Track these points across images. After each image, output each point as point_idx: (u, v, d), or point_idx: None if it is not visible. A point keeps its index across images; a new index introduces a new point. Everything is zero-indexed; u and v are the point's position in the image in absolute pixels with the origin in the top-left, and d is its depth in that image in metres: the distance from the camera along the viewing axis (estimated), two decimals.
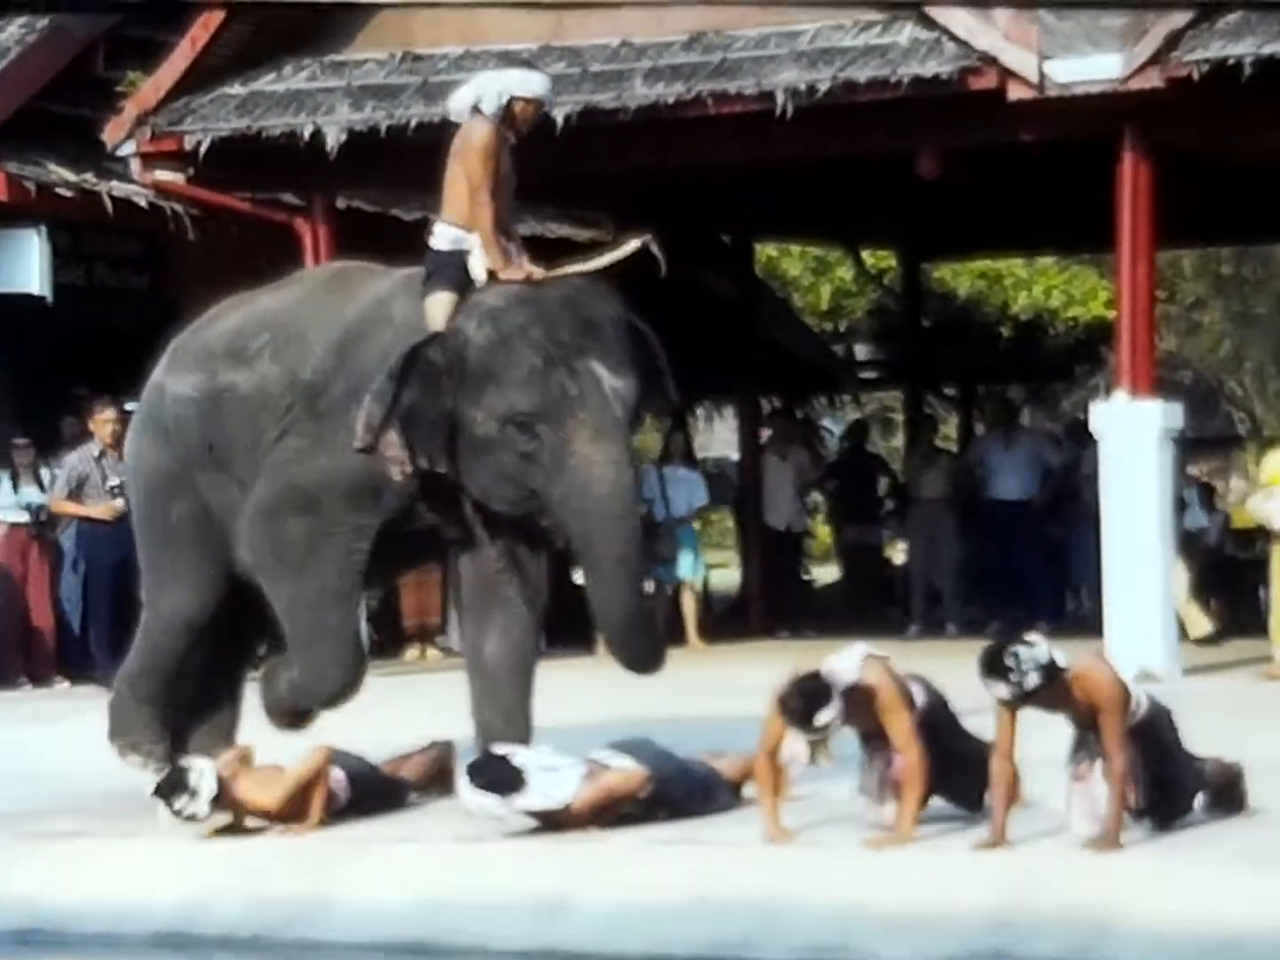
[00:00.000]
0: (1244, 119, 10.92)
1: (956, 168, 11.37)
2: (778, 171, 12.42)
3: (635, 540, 6.97)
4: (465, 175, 7.15)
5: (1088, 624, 11.40)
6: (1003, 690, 6.16)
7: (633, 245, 7.20)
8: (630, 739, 7.10)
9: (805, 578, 16.48)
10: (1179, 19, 10.52)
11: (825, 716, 6.35)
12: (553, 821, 6.73)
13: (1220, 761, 6.71)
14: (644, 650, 7.09)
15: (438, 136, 11.70)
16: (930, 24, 10.92)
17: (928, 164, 11.34)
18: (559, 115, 11.30)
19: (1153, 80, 10.57)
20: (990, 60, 10.76)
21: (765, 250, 19.43)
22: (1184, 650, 11.15)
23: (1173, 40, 10.51)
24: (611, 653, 7.17)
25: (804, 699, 6.36)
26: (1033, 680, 6.14)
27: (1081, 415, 11.46)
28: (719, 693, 9.42)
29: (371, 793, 7.25)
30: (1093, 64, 10.76)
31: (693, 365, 14.51)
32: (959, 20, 10.83)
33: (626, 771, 6.88)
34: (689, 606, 13.52)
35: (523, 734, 7.19)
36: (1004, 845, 6.24)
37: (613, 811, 6.82)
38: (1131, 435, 10.92)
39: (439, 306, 7.08)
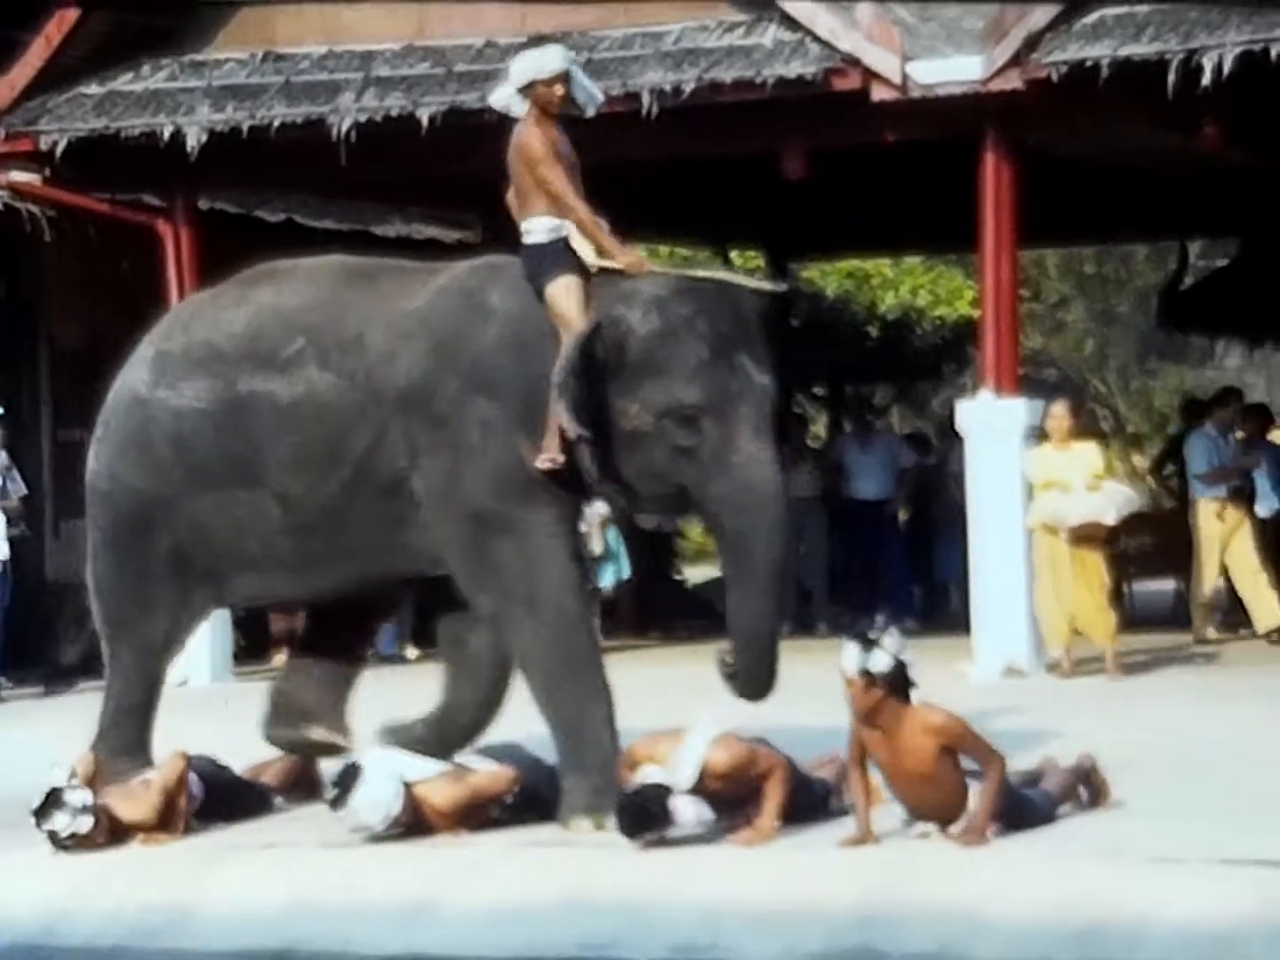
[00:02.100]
0: (1102, 120, 11.07)
1: (822, 168, 11.44)
2: (644, 172, 12.42)
3: (790, 547, 6.78)
4: (537, 183, 6.91)
5: (955, 622, 11.49)
6: (852, 659, 6.16)
7: (770, 285, 7.32)
8: (498, 744, 7.07)
9: (677, 577, 16.51)
10: (1038, 21, 10.65)
11: (666, 826, 6.34)
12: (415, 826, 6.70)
13: (1076, 760, 6.78)
14: (768, 675, 6.73)
15: (301, 137, 11.77)
16: (794, 25, 10.97)
17: (793, 164, 11.40)
18: (423, 116, 11.29)
19: (1013, 82, 10.68)
20: (853, 61, 10.83)
21: None
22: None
23: (1032, 42, 10.64)
24: (731, 669, 6.73)
25: (637, 817, 6.33)
26: (883, 662, 6.15)
27: (949, 413, 11.57)
28: None
29: (230, 797, 7.17)
30: (954, 65, 10.87)
31: None
32: (822, 22, 10.90)
33: (493, 773, 6.85)
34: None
35: (483, 721, 7.12)
36: (870, 841, 6.27)
37: (480, 814, 6.79)
38: (996, 432, 11.02)
39: (567, 293, 6.77)
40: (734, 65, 10.95)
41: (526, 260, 6.92)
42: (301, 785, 7.45)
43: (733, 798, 6.49)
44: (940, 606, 14.43)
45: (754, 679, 6.73)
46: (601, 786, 6.63)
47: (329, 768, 7.14)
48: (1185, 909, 5.69)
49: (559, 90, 6.99)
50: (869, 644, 6.18)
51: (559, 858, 6.46)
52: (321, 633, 7.53)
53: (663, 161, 11.87)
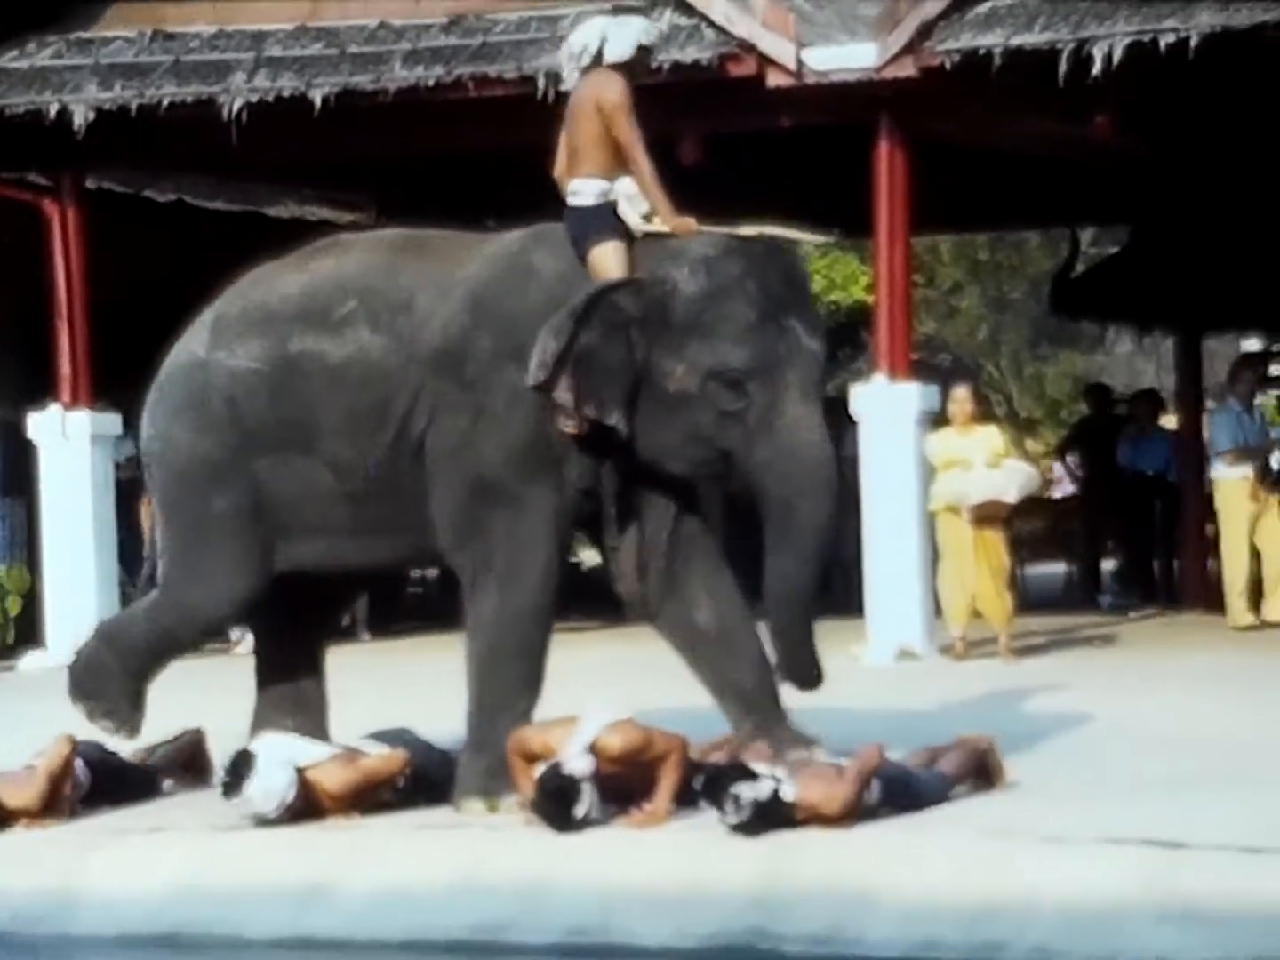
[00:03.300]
0: (994, 108, 11.16)
1: (717, 153, 11.45)
2: (541, 156, 12.39)
3: (833, 515, 6.63)
4: (612, 133, 6.68)
5: (849, 605, 11.55)
6: (728, 802, 6.15)
7: (811, 235, 7.04)
8: (388, 728, 7.03)
9: (572, 560, 16.46)
10: (931, 9, 10.72)
11: (582, 809, 6.32)
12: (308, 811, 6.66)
13: (970, 740, 6.83)
14: (809, 653, 6.63)
15: (191, 116, 11.66)
16: (689, 11, 10.98)
17: (688, 149, 11.40)
18: (316, 97, 11.22)
19: (907, 69, 10.75)
20: (749, 47, 10.86)
21: None
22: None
23: (925, 30, 10.71)
24: (780, 657, 6.66)
25: (560, 804, 6.30)
26: (747, 815, 6.14)
27: (843, 398, 11.61)
28: None
29: (117, 781, 7.10)
30: (849, 52, 10.92)
31: None
32: (717, 8, 10.92)
33: (384, 756, 6.82)
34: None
35: (773, 682, 6.79)
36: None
37: (371, 796, 6.76)
38: (890, 417, 11.08)
39: (610, 255, 6.61)
40: None
41: (571, 222, 6.75)
42: (191, 769, 7.39)
43: (630, 781, 6.48)
44: (835, 589, 14.48)
45: (795, 659, 6.63)
46: (497, 770, 6.59)
47: (220, 752, 7.08)
48: (1074, 888, 5.74)
49: (647, 60, 6.94)
50: (729, 796, 6.15)
51: (451, 840, 6.43)
52: (291, 617, 7.27)
53: (557, 146, 11.83)
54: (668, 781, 6.43)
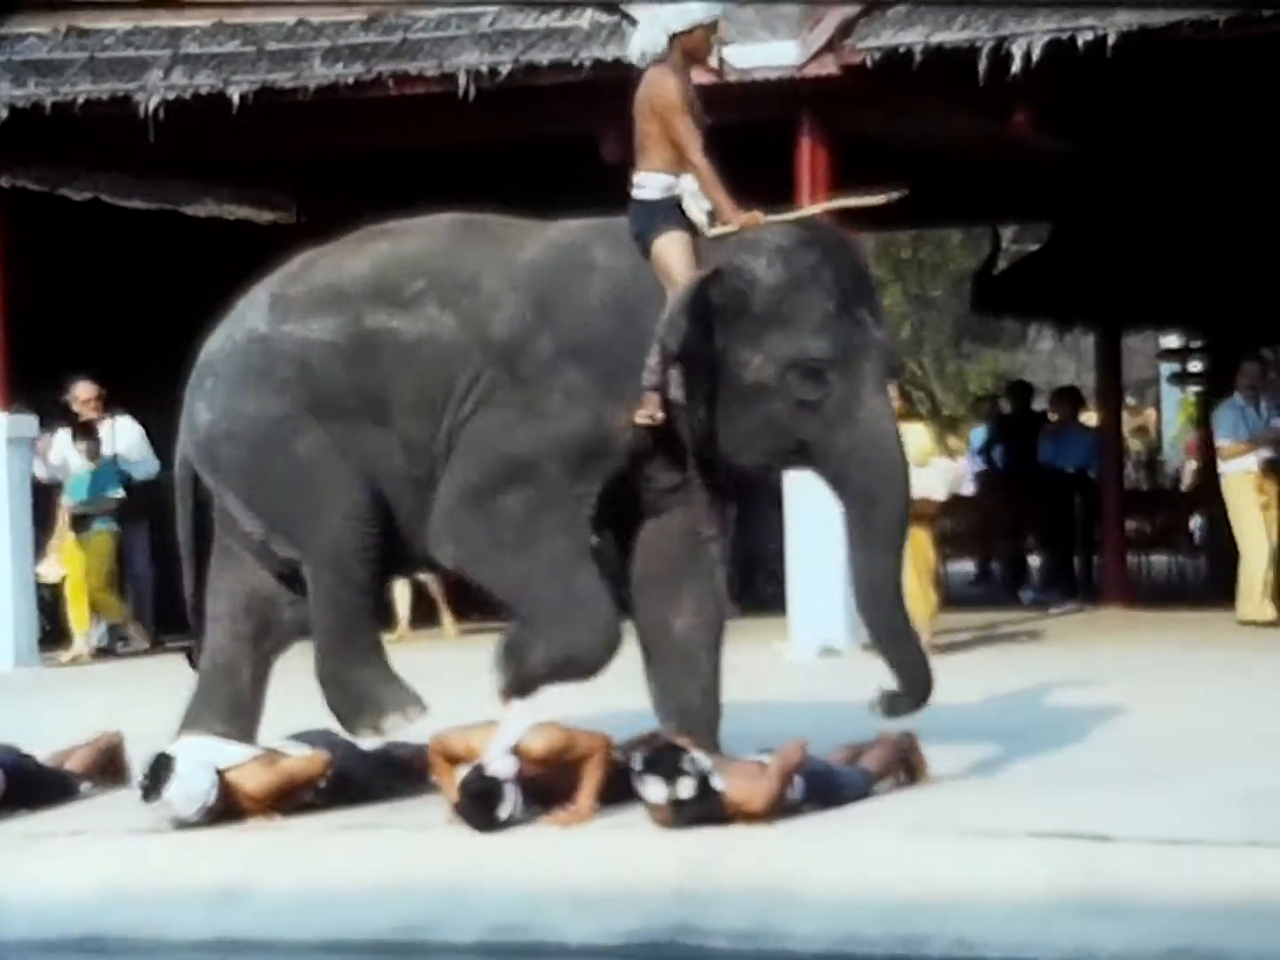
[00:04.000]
0: (916, 105, 11.19)
1: None
2: (462, 154, 12.36)
3: (909, 506, 6.63)
4: (668, 133, 6.63)
5: (773, 602, 11.56)
6: (658, 791, 6.17)
7: (883, 197, 6.84)
8: (310, 730, 6.99)
9: None
10: (852, 7, 10.75)
11: (505, 810, 6.31)
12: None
13: (892, 736, 6.84)
14: (923, 662, 6.63)
15: (107, 114, 11.56)
16: (611, 8, 10.97)
17: (611, 146, 11.38)
18: (234, 95, 11.14)
19: (828, 67, 10.78)
20: None
21: None
22: None
23: (846, 28, 10.74)
24: (890, 661, 6.60)
25: (484, 805, 6.28)
26: (686, 790, 6.16)
27: None
28: None
29: (34, 785, 7.02)
30: (770, 50, 10.92)
31: None
32: (639, 5, 10.89)
33: (306, 757, 6.77)
34: (435, 587, 13.09)
35: (717, 710, 6.76)
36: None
37: (293, 798, 6.71)
38: None
39: (676, 248, 6.51)
40: (551, 47, 10.92)
41: (635, 216, 6.64)
42: (109, 772, 7.32)
43: (553, 782, 6.46)
44: (758, 586, 14.50)
45: (903, 657, 6.59)
46: (556, 658, 6.53)
47: (138, 755, 7.01)
48: (995, 882, 5.76)
49: (710, 39, 6.80)
50: (673, 773, 6.18)
51: (374, 841, 6.40)
52: (262, 624, 7.03)
53: (480, 144, 11.81)
54: (590, 781, 6.41)
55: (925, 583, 10.95)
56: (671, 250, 6.52)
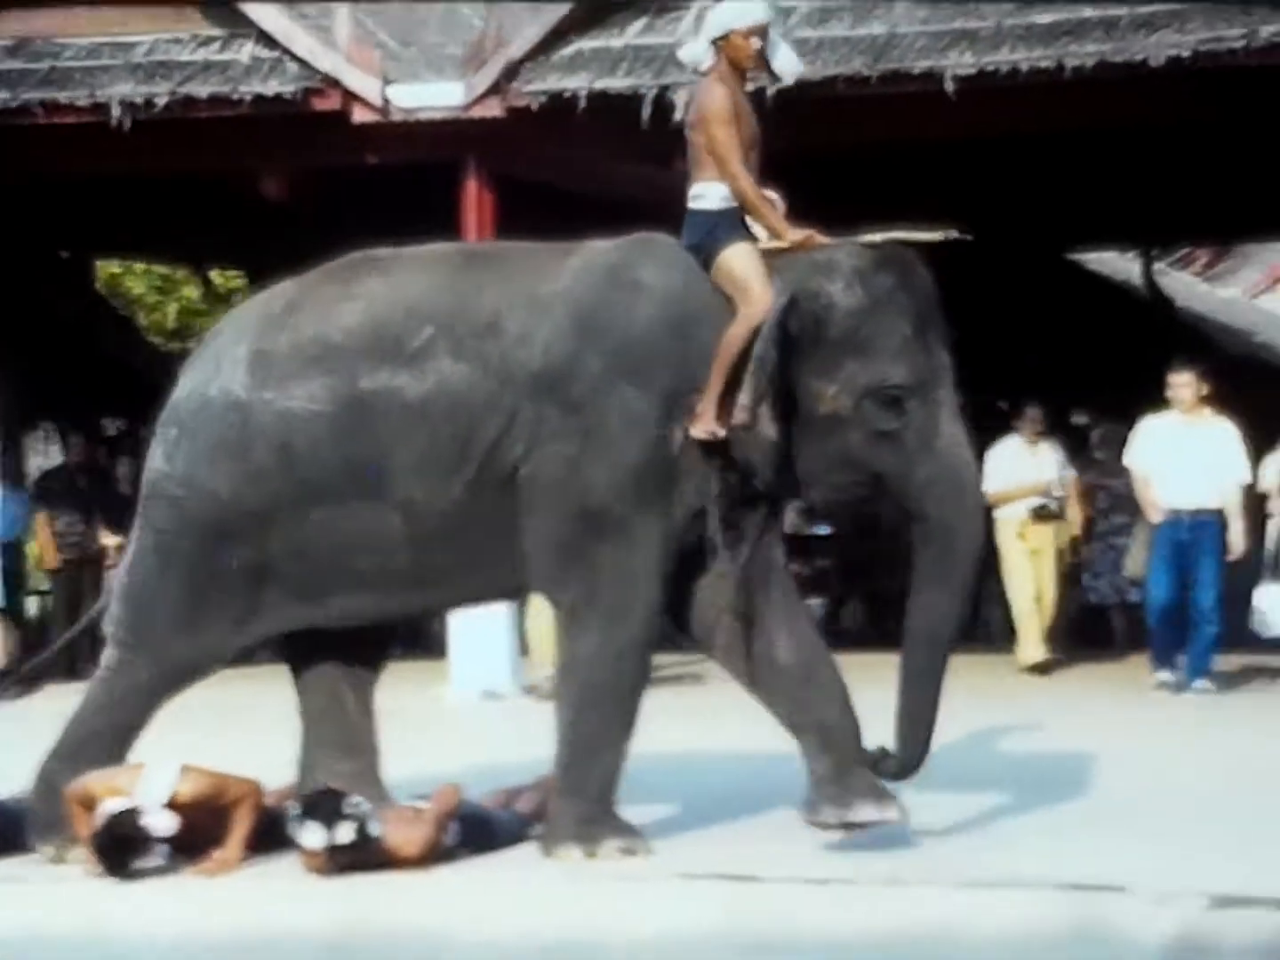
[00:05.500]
0: (580, 149, 11.30)
1: (303, 188, 11.34)
2: (117, 186, 12.13)
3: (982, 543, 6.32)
4: (708, 142, 6.30)
5: (433, 644, 11.50)
6: (316, 837, 6.10)
7: (936, 234, 6.61)
8: None
9: None
10: (517, 50, 10.83)
11: (150, 857, 6.19)
12: None
13: (549, 780, 6.83)
14: (926, 740, 6.29)
15: None
16: (271, 43, 10.88)
17: (273, 184, 11.28)
18: None
19: (493, 109, 10.84)
20: (333, 82, 10.82)
21: (108, 268, 18.94)
22: None
23: (511, 71, 10.81)
24: (900, 715, 6.27)
25: (118, 849, 6.14)
26: (346, 835, 6.10)
27: None
28: None
29: None
30: (435, 91, 10.97)
31: (30, 385, 14.10)
32: (300, 41, 10.85)
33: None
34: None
35: (854, 722, 6.38)
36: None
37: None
38: None
39: (745, 259, 6.19)
40: (209, 80, 10.79)
41: (692, 227, 6.32)
42: None
43: (201, 828, 6.32)
44: (421, 630, 14.41)
45: (914, 720, 6.25)
46: (597, 816, 6.27)
47: None
48: (648, 924, 5.77)
49: (756, 44, 6.39)
50: (333, 818, 6.10)
51: (12, 893, 6.18)
52: (334, 650, 6.70)
53: (135, 176, 11.60)
54: (240, 828, 6.30)
55: None
56: (741, 261, 6.22)
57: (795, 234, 6.31)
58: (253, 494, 6.37)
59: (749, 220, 6.36)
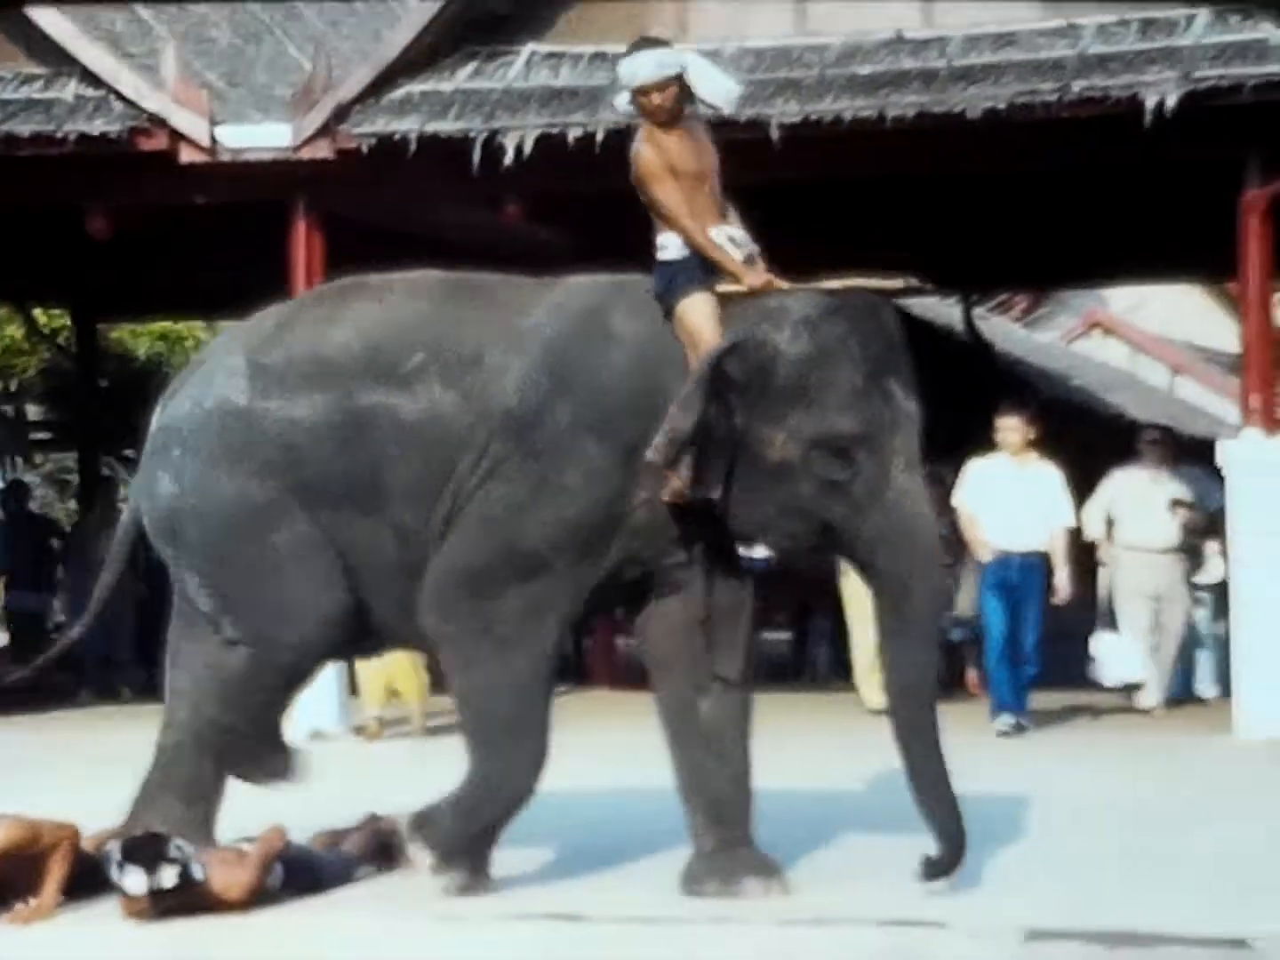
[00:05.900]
0: (410, 191, 11.33)
1: (131, 227, 11.27)
2: None
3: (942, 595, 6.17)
4: (653, 207, 6.22)
5: None
6: (137, 882, 6.05)
7: (897, 282, 6.49)
8: None
9: None
10: (346, 93, 10.85)
11: None
12: None
13: (375, 821, 6.84)
14: (956, 810, 6.13)
15: None
16: (96, 82, 10.82)
17: (98, 223, 11.20)
18: None
19: (323, 151, 10.85)
20: (160, 122, 10.78)
21: None
22: None
23: (341, 113, 10.83)
24: (914, 782, 6.15)
25: None
26: (169, 879, 6.06)
27: None
28: None
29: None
30: (264, 132, 10.98)
31: None
32: (126, 80, 10.80)
33: None
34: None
35: (749, 797, 6.32)
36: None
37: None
38: None
39: (700, 311, 6.13)
40: (33, 119, 10.72)
41: (658, 277, 6.27)
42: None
43: (15, 876, 6.23)
44: None
45: (930, 779, 6.13)
46: (466, 848, 6.33)
47: None
48: None
49: (658, 99, 6.22)
50: (155, 862, 6.06)
51: None
52: None
53: None
54: (56, 874, 6.21)
55: (416, 661, 10.95)
56: (695, 312, 6.17)
57: (754, 278, 6.23)
58: (265, 487, 6.35)
59: (738, 252, 6.29)
